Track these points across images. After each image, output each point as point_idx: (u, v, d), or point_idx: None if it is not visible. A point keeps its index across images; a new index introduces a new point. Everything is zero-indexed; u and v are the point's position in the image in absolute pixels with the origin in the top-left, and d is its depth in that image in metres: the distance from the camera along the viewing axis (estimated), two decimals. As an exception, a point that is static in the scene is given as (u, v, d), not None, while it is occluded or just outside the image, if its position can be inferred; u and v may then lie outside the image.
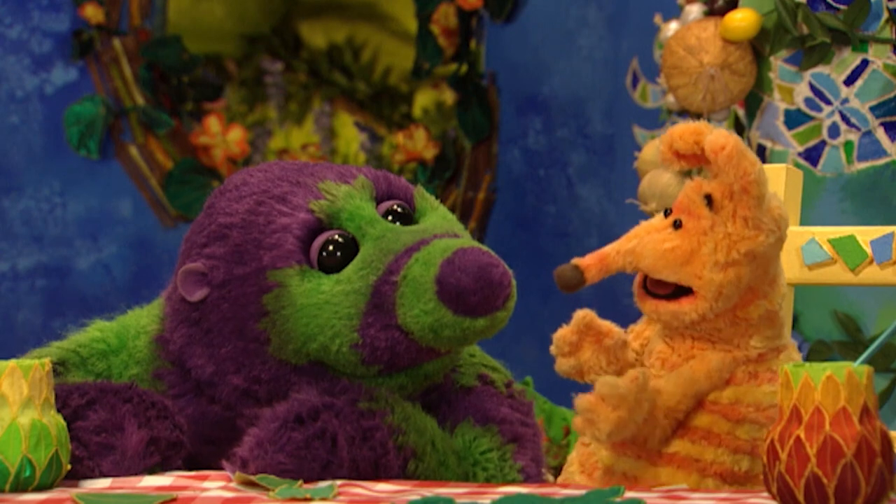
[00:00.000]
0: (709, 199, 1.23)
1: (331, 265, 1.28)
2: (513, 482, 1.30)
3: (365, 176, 1.33)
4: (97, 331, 1.40)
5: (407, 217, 1.33)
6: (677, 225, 1.23)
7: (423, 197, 1.36)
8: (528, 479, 1.32)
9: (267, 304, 1.28)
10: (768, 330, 1.28)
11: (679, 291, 1.24)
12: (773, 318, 1.28)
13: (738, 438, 1.26)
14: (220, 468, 1.29)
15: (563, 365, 1.29)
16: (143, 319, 1.40)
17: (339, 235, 1.29)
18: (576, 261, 1.21)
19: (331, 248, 1.29)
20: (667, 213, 1.25)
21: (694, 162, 1.25)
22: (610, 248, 1.22)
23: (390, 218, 1.32)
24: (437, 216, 1.34)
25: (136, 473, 1.25)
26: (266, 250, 1.28)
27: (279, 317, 1.28)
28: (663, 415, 1.24)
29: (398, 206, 1.33)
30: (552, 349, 1.29)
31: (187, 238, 1.34)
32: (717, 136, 1.22)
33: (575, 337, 1.28)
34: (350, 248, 1.29)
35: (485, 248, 1.26)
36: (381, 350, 1.26)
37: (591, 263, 1.21)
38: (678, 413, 1.25)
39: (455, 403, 1.35)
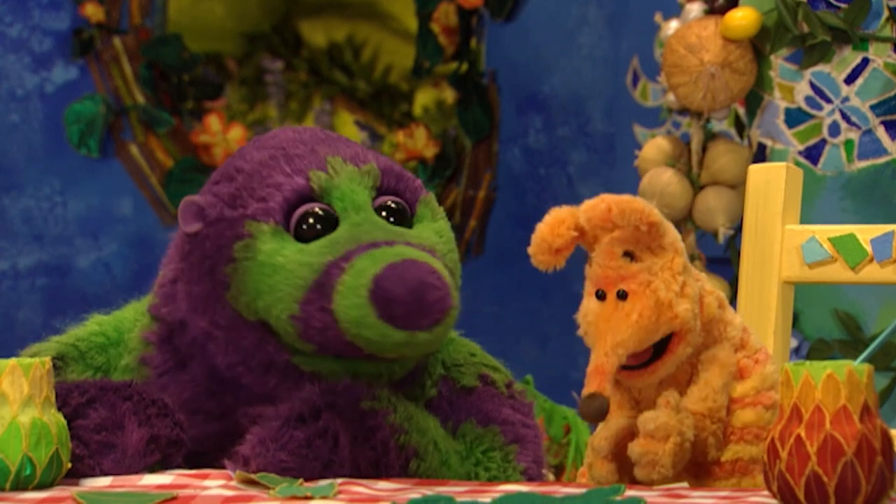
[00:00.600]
0: (629, 255, 1.23)
1: (305, 235, 1.29)
2: (515, 482, 1.30)
3: (377, 164, 1.33)
4: (95, 324, 1.41)
5: (402, 217, 1.33)
6: (622, 295, 1.22)
7: (428, 204, 1.35)
8: (530, 480, 1.32)
9: (236, 251, 1.29)
10: (727, 314, 1.29)
11: (659, 346, 1.24)
12: (722, 304, 1.29)
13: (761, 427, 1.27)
14: (205, 443, 1.30)
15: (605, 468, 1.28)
16: (141, 307, 1.41)
17: (322, 210, 1.29)
18: (587, 391, 1.19)
19: (311, 219, 1.29)
20: (598, 294, 1.23)
21: (571, 248, 1.25)
22: (599, 358, 1.20)
23: (384, 213, 1.32)
24: (430, 228, 1.33)
25: (137, 472, 1.25)
26: (255, 201, 1.30)
27: (241, 266, 1.29)
28: (709, 420, 1.24)
29: (395, 202, 1.33)
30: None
31: (212, 174, 1.37)
32: (594, 205, 1.23)
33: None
34: (330, 224, 1.29)
35: (441, 270, 1.25)
36: (313, 329, 1.26)
37: (598, 382, 1.19)
38: (720, 411, 1.25)
39: (456, 404, 1.35)
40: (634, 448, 1.21)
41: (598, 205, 1.23)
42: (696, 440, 1.23)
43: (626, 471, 1.25)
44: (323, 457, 1.23)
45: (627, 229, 1.22)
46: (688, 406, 1.24)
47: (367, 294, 1.22)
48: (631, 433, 1.25)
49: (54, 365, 1.35)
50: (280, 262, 1.28)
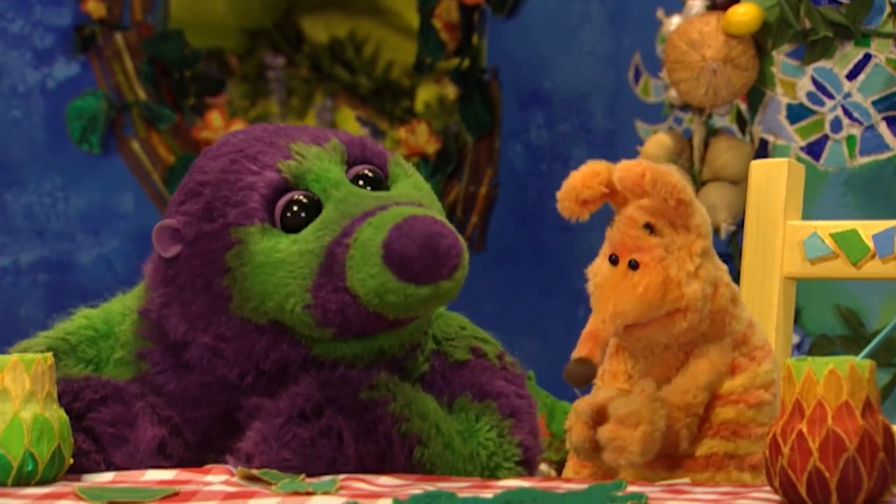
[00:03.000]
0: (650, 227, 1.23)
1: (293, 225, 1.29)
2: (513, 458, 1.30)
3: (338, 139, 1.33)
4: (84, 318, 1.41)
5: (378, 182, 1.33)
6: (633, 266, 1.22)
7: (398, 164, 1.35)
8: (527, 451, 1.32)
9: (229, 261, 1.28)
10: (736, 309, 1.29)
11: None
12: (735, 298, 1.29)
13: (762, 424, 1.27)
14: (202, 443, 1.30)
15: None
16: (128, 301, 1.41)
17: (304, 196, 1.29)
18: (576, 354, 1.18)
19: (294, 208, 1.29)
20: (612, 258, 1.23)
21: (599, 203, 1.25)
22: (593, 324, 1.20)
23: (361, 182, 1.32)
24: (408, 184, 1.33)
25: (147, 468, 1.25)
26: (232, 207, 1.29)
27: (239, 274, 1.28)
28: (684, 413, 1.24)
29: (369, 170, 1.33)
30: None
31: (171, 197, 1.36)
32: (630, 167, 1.22)
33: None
34: (314, 209, 1.29)
35: (440, 217, 1.25)
36: (332, 312, 1.26)
37: (590, 348, 1.19)
38: (697, 407, 1.25)
39: (450, 378, 1.35)
40: (603, 433, 1.21)
41: (634, 168, 1.22)
42: (668, 431, 1.23)
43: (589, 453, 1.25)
44: (327, 455, 1.23)
45: (655, 199, 1.22)
46: (667, 396, 1.24)
47: (381, 261, 1.21)
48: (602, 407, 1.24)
49: None
50: (278, 258, 1.27)
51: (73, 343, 1.39)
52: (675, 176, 1.22)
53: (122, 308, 1.41)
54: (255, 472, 1.22)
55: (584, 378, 1.17)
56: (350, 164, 1.33)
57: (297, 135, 1.33)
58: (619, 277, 1.21)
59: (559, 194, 1.24)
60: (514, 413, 1.32)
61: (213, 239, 1.29)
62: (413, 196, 1.30)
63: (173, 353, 1.35)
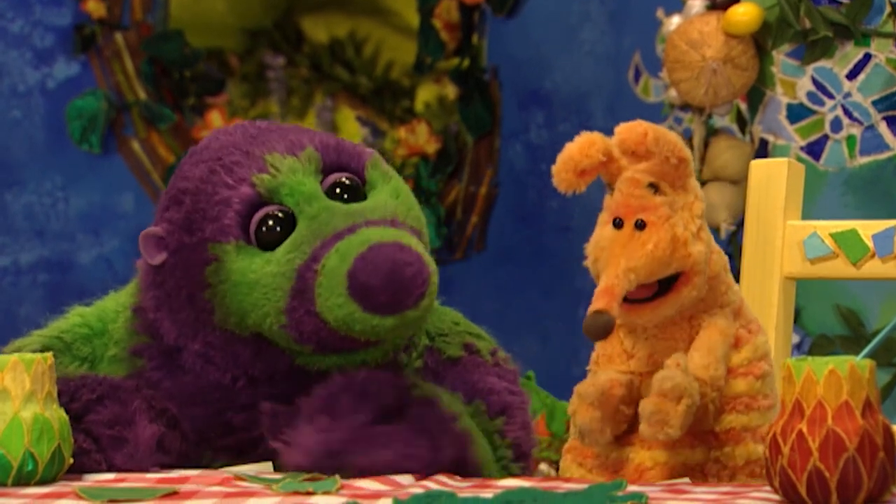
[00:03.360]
0: (654, 187, 1.23)
1: (268, 241, 1.28)
2: (503, 459, 1.30)
3: (314, 146, 1.32)
4: (78, 316, 1.41)
5: (355, 190, 1.32)
6: (640, 225, 1.22)
7: (375, 167, 1.34)
8: (518, 446, 1.32)
9: (209, 277, 1.29)
10: (728, 278, 1.29)
11: (665, 285, 1.24)
12: (726, 267, 1.29)
13: (766, 395, 1.27)
14: (199, 441, 1.30)
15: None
16: (121, 299, 1.41)
17: (279, 211, 1.29)
18: (593, 308, 1.17)
19: (270, 223, 1.29)
20: (616, 222, 1.23)
21: (595, 174, 1.24)
22: (609, 279, 1.19)
23: (338, 190, 1.31)
24: (385, 191, 1.32)
25: (147, 468, 1.25)
26: (209, 222, 1.29)
27: (219, 290, 1.28)
28: (710, 388, 1.24)
29: (347, 178, 1.32)
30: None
31: (159, 200, 1.36)
32: (632, 127, 1.22)
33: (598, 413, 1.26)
34: (289, 223, 1.29)
35: (408, 241, 1.24)
36: (307, 333, 1.26)
37: (607, 300, 1.18)
38: (720, 380, 1.25)
39: (442, 375, 1.35)
40: (647, 405, 1.20)
41: (636, 128, 1.22)
42: (698, 406, 1.23)
43: (609, 421, 1.24)
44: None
45: (657, 158, 1.21)
46: (692, 371, 1.24)
47: (346, 292, 1.22)
48: (618, 385, 1.24)
49: None
50: (252, 278, 1.27)
51: (68, 341, 1.39)
52: (674, 134, 1.23)
53: (116, 305, 1.41)
54: (250, 472, 1.22)
55: (604, 330, 1.17)
56: (326, 171, 1.32)
57: (274, 143, 1.32)
58: (627, 238, 1.21)
59: (555, 168, 1.23)
60: (506, 409, 1.32)
61: (194, 252, 1.29)
62: (388, 206, 1.29)
63: (167, 353, 1.35)
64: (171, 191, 1.34)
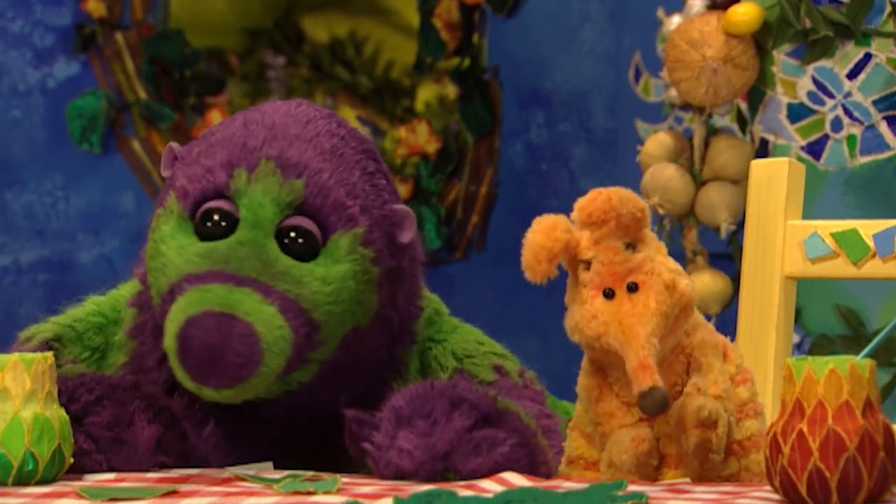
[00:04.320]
0: (631, 246, 1.23)
1: (203, 232, 1.28)
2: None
3: (309, 182, 1.28)
4: (93, 304, 1.42)
5: (303, 245, 1.28)
6: (633, 288, 1.21)
7: (345, 240, 1.29)
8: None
9: (154, 218, 1.31)
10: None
11: None
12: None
13: (756, 401, 1.28)
14: (190, 418, 1.30)
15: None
16: (136, 285, 1.41)
17: (227, 209, 1.28)
18: (644, 386, 1.16)
19: (215, 217, 1.28)
20: (606, 293, 1.22)
21: (560, 255, 1.23)
22: (638, 353, 1.17)
23: (287, 238, 1.27)
24: (321, 269, 1.27)
25: (147, 469, 1.25)
26: (185, 178, 1.30)
27: (152, 233, 1.31)
28: (727, 401, 1.24)
29: (302, 230, 1.28)
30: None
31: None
32: (591, 199, 1.22)
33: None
34: (231, 226, 1.28)
35: (264, 334, 1.22)
36: (164, 323, 1.27)
37: (651, 375, 1.16)
38: (730, 391, 1.26)
39: None
40: (691, 439, 1.20)
41: (597, 197, 1.22)
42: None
43: (643, 473, 1.24)
44: (525, 466, 1.20)
45: (625, 218, 1.22)
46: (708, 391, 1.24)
47: (177, 332, 1.21)
48: (644, 441, 1.23)
49: (50, 346, 1.35)
50: (163, 249, 1.28)
51: (80, 331, 1.39)
52: (626, 190, 1.23)
53: (129, 292, 1.41)
54: (253, 471, 1.22)
55: (662, 404, 1.16)
56: (298, 209, 1.28)
57: (288, 148, 1.31)
58: (627, 304, 1.20)
59: (528, 261, 1.22)
60: (545, 433, 1.30)
61: (168, 185, 1.32)
62: (303, 286, 1.26)
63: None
64: (215, 126, 1.35)
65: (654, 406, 1.16)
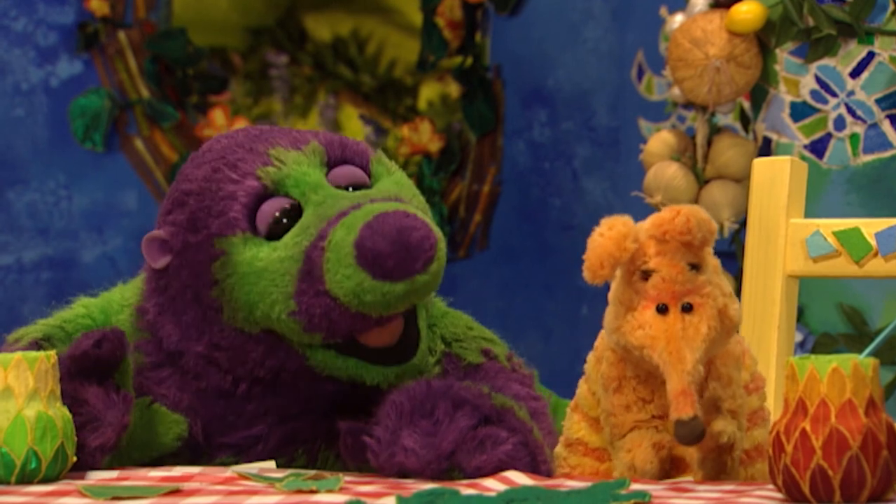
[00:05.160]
0: (695, 267, 1.22)
1: (276, 232, 1.28)
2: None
3: (318, 141, 1.32)
4: (82, 307, 1.41)
5: (359, 180, 1.32)
6: (687, 308, 1.20)
7: (380, 162, 1.34)
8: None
9: (215, 273, 1.28)
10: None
11: None
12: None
13: (763, 408, 1.28)
14: (200, 438, 1.30)
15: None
16: (127, 293, 1.41)
17: (285, 202, 1.29)
18: (683, 415, 1.15)
19: (276, 215, 1.29)
20: (660, 307, 1.22)
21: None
22: (681, 379, 1.16)
23: (346, 188, 1.31)
24: (389, 181, 1.32)
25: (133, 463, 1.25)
26: (214, 217, 1.29)
27: (226, 285, 1.28)
28: (741, 417, 1.24)
29: (349, 172, 1.32)
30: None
31: (161, 205, 1.36)
32: (669, 218, 1.20)
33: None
34: (295, 214, 1.29)
35: (415, 210, 1.24)
36: (317, 317, 1.25)
37: (692, 404, 1.16)
38: (745, 406, 1.26)
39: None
40: (706, 463, 1.20)
41: (675, 217, 1.20)
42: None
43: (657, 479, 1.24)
44: (526, 462, 1.21)
45: (697, 240, 1.20)
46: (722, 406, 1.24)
47: (354, 262, 1.21)
48: (663, 448, 1.23)
49: (39, 346, 1.35)
50: (260, 266, 1.27)
51: (70, 331, 1.39)
52: (702, 211, 1.21)
53: (122, 299, 1.41)
54: (255, 469, 1.22)
55: (699, 436, 1.16)
56: (331, 165, 1.32)
57: (277, 139, 1.32)
58: (679, 325, 1.19)
59: (591, 262, 1.20)
60: (533, 416, 1.31)
61: (199, 250, 1.29)
62: (392, 191, 1.30)
63: (168, 354, 1.35)
64: (173, 194, 1.33)
65: (691, 437, 1.16)
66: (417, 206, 1.29)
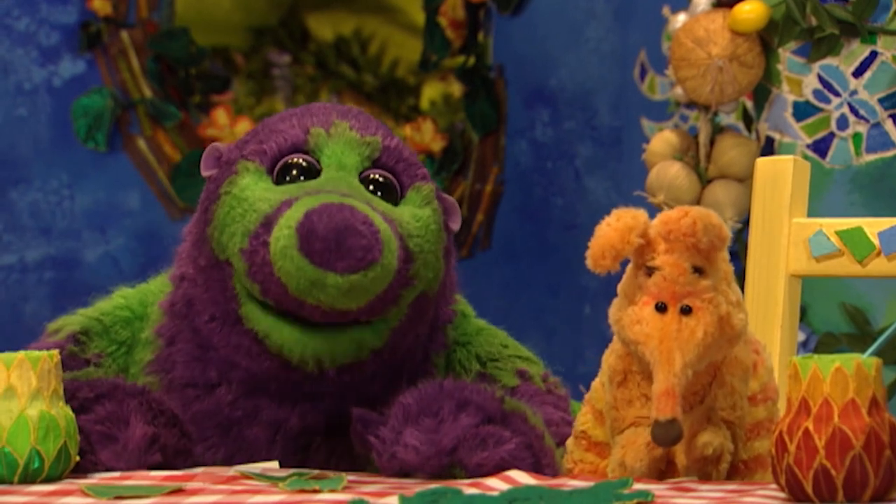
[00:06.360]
0: (698, 270, 1.21)
1: (282, 181, 1.31)
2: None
3: (383, 141, 1.33)
4: (121, 297, 1.42)
5: (387, 190, 1.32)
6: (686, 311, 1.19)
7: (420, 192, 1.33)
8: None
9: (223, 188, 1.32)
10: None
11: None
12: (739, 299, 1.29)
13: (771, 418, 1.28)
14: (206, 416, 1.31)
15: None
16: (165, 279, 1.41)
17: (306, 161, 1.31)
18: (663, 416, 1.14)
19: (294, 171, 1.31)
20: (659, 306, 1.21)
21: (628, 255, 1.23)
22: (668, 380, 1.15)
23: (370, 187, 1.32)
24: (408, 211, 1.31)
25: (136, 468, 1.25)
26: (254, 144, 1.33)
27: (222, 200, 1.30)
28: (739, 428, 1.24)
29: (382, 176, 1.32)
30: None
31: None
32: (676, 218, 1.19)
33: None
34: (312, 176, 1.31)
35: (381, 226, 1.23)
36: (256, 265, 1.26)
37: (673, 406, 1.15)
38: (745, 417, 1.25)
39: None
40: (692, 469, 1.20)
41: (682, 218, 1.19)
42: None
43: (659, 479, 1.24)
44: (529, 462, 1.21)
45: (703, 244, 1.20)
46: (718, 412, 1.23)
47: (296, 225, 1.22)
48: (657, 447, 1.23)
49: (77, 340, 1.36)
50: (247, 195, 1.29)
51: (107, 324, 1.39)
52: (715, 216, 1.21)
53: (159, 287, 1.41)
54: (258, 469, 1.22)
55: (674, 439, 1.15)
56: (375, 164, 1.33)
57: (357, 120, 1.34)
58: (675, 325, 1.18)
59: (594, 253, 1.19)
60: (563, 441, 1.30)
61: (229, 166, 1.33)
62: (397, 216, 1.29)
63: (172, 318, 1.35)
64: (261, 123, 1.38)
65: (667, 439, 1.15)
66: (408, 245, 1.28)
